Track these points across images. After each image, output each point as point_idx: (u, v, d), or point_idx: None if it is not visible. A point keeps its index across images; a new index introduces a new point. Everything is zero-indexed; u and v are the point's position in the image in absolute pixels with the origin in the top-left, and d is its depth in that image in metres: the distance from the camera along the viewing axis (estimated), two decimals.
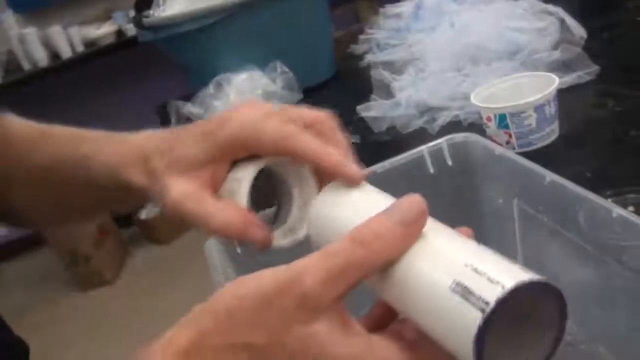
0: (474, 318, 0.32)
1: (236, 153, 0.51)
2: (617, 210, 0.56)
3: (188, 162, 0.51)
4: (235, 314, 0.36)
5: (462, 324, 0.32)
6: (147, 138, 0.56)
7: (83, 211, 0.73)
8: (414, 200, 0.40)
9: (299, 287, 0.35)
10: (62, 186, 0.66)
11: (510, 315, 0.34)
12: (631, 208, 0.72)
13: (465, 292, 0.33)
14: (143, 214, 3.60)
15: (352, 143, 0.53)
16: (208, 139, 0.51)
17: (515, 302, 0.32)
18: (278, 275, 0.36)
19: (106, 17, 3.55)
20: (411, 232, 0.39)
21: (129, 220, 3.75)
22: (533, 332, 0.36)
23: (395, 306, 0.40)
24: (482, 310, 0.32)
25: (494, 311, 0.32)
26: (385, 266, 0.38)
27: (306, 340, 0.35)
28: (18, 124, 0.71)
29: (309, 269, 0.36)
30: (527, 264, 0.76)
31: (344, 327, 0.36)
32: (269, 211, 0.56)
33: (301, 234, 0.52)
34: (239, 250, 0.61)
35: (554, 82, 0.92)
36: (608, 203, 0.58)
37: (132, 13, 3.17)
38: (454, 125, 1.09)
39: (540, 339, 0.36)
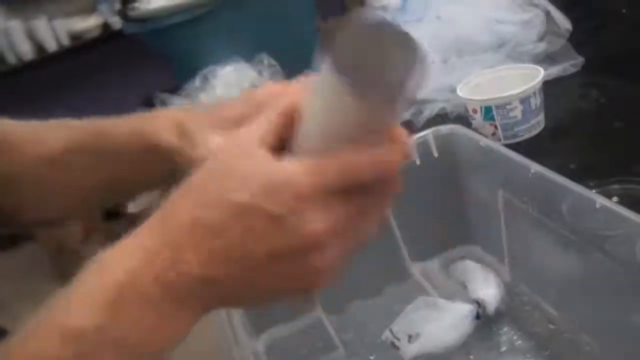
0: None
1: None
2: (601, 201, 0.57)
3: (234, 119, 0.51)
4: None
5: None
6: (174, 109, 0.57)
7: (100, 192, 0.72)
8: None
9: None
10: (79, 169, 0.65)
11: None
12: (615, 199, 0.72)
13: None
14: (131, 207, 3.58)
15: None
16: (249, 99, 0.52)
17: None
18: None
19: (92, 9, 3.52)
20: None
21: (117, 213, 3.73)
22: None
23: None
24: None
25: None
26: None
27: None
28: (13, 124, 0.70)
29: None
30: (512, 254, 0.77)
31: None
32: None
33: None
34: None
35: (539, 74, 0.93)
36: (592, 194, 0.59)
37: (117, 5, 3.15)
38: (440, 118, 1.09)
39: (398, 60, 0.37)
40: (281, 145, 0.40)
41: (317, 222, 0.36)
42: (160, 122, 0.56)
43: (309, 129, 0.40)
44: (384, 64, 0.37)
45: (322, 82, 0.37)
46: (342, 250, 0.39)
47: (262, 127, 0.39)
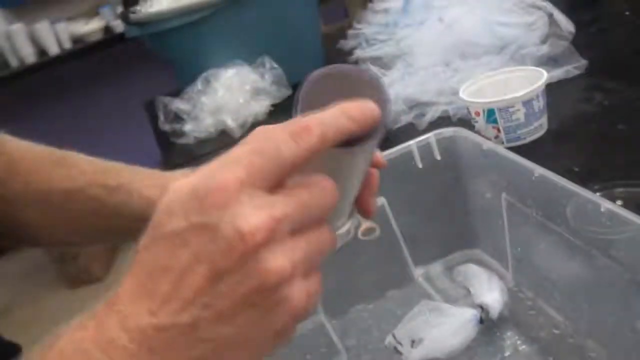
0: None
1: None
2: (606, 205, 0.56)
3: None
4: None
5: None
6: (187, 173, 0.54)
7: (99, 237, 0.73)
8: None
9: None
10: (82, 211, 0.66)
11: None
12: (619, 202, 0.72)
13: None
14: None
15: None
16: None
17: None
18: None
19: (93, 12, 3.52)
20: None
21: None
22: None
23: None
24: None
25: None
26: None
27: None
28: (24, 148, 0.70)
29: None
30: (516, 258, 0.76)
31: None
32: None
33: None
34: None
35: (542, 76, 0.92)
36: (596, 197, 0.58)
37: (119, 9, 3.15)
38: (443, 120, 1.09)
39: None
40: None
41: (252, 218, 0.33)
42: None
43: None
44: None
45: None
46: (294, 256, 0.35)
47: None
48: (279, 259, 0.33)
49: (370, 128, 0.37)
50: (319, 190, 0.36)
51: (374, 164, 0.47)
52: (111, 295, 0.36)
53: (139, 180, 0.64)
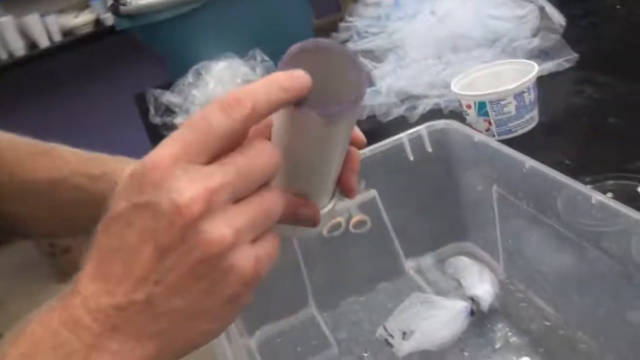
0: None
1: None
2: (596, 197, 0.56)
3: None
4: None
5: None
6: None
7: (86, 227, 0.72)
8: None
9: None
10: (67, 201, 0.66)
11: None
12: (610, 194, 0.72)
13: None
14: None
15: None
16: None
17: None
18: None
19: (84, 5, 3.50)
20: None
21: None
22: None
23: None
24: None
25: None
26: None
27: None
28: (7, 140, 0.69)
29: None
30: (507, 250, 0.76)
31: None
32: None
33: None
34: None
35: (533, 69, 0.92)
36: (587, 189, 0.59)
37: (109, 1, 3.13)
38: (434, 113, 1.09)
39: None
40: None
41: (187, 191, 0.33)
42: None
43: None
44: (341, 85, 0.38)
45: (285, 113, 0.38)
46: (236, 223, 0.35)
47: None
48: (220, 228, 0.34)
49: (301, 95, 0.37)
50: (256, 152, 0.36)
51: (353, 142, 0.46)
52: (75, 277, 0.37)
53: (121, 168, 0.63)
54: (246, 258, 0.35)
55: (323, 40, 0.39)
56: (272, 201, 0.37)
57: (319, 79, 0.37)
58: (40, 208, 0.68)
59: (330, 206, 0.47)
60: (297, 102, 0.37)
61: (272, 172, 0.37)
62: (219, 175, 0.35)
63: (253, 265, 0.36)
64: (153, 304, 0.35)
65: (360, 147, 0.48)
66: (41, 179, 0.66)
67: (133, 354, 0.35)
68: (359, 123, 1.25)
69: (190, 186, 0.34)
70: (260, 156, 0.36)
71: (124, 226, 0.35)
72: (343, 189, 0.48)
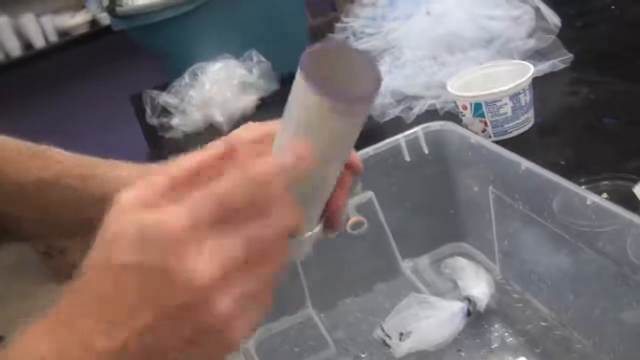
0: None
1: None
2: (592, 198, 0.57)
3: None
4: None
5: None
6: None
7: (79, 228, 0.72)
8: None
9: None
10: (58, 202, 0.66)
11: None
12: (605, 195, 0.72)
13: None
14: None
15: None
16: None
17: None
18: None
19: (80, 5, 3.49)
20: None
21: None
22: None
23: None
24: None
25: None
26: None
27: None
28: (2, 141, 0.69)
29: None
30: (503, 251, 0.77)
31: None
32: None
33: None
34: None
35: (529, 70, 0.93)
36: (582, 190, 0.59)
37: (106, 1, 3.12)
38: (430, 114, 1.09)
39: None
40: None
41: (201, 266, 0.33)
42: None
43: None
44: (355, 81, 0.39)
45: (299, 102, 0.39)
46: (242, 295, 0.35)
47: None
48: (225, 303, 0.34)
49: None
50: (273, 220, 0.36)
51: (351, 164, 0.47)
52: (60, 304, 0.38)
53: (111, 170, 0.63)
54: (238, 330, 0.36)
55: (343, 42, 0.41)
56: (275, 272, 0.38)
57: (335, 76, 0.39)
58: (32, 209, 0.68)
59: (316, 230, 0.48)
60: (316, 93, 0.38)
61: (286, 233, 0.37)
62: (231, 247, 0.34)
63: (239, 332, 0.36)
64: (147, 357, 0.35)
65: (357, 173, 0.48)
66: (32, 180, 0.66)
67: None
68: None
69: (204, 260, 0.33)
70: (276, 226, 0.36)
71: (126, 282, 0.34)
72: (330, 216, 0.48)
